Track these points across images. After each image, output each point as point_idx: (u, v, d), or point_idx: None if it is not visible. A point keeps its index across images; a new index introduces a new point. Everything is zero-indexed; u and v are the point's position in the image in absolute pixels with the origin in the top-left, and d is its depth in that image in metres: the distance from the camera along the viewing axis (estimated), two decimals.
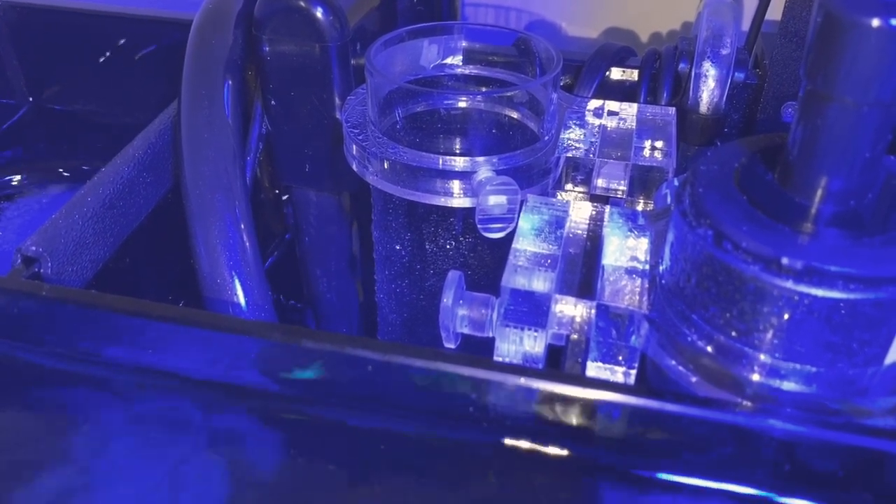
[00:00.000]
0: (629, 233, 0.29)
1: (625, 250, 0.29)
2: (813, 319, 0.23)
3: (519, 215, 0.31)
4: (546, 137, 0.37)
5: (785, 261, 0.22)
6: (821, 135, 0.23)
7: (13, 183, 0.62)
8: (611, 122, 0.38)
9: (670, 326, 0.26)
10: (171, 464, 0.29)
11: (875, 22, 0.20)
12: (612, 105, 0.39)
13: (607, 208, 0.31)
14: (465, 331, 0.28)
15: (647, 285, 0.27)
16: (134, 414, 0.30)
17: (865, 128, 0.22)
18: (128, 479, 0.29)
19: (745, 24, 0.50)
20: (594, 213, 0.31)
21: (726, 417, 0.24)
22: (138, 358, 0.29)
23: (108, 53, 0.57)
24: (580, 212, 0.31)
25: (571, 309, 0.27)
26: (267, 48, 0.39)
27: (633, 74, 0.46)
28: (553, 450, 0.26)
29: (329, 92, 0.40)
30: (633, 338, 0.27)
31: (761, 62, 0.45)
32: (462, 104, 0.40)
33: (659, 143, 0.36)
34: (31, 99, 0.61)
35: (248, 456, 0.29)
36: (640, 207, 0.34)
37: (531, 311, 0.27)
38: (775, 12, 0.43)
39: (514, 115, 0.40)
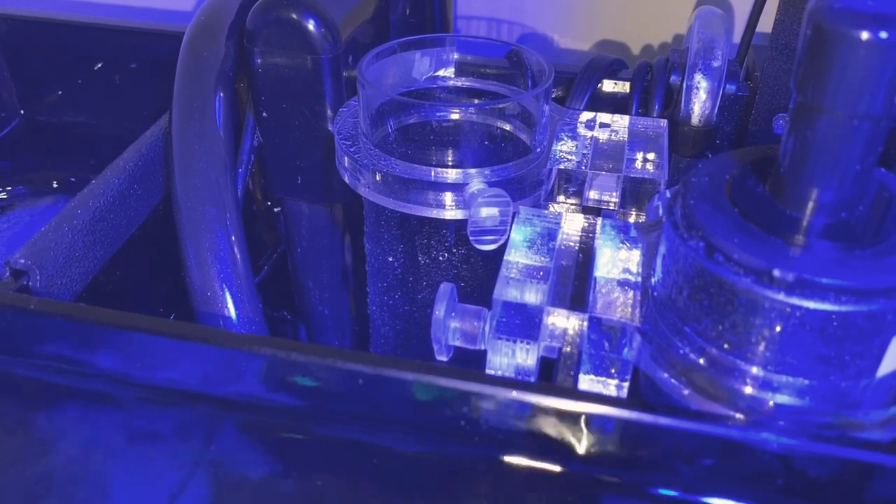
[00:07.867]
0: (621, 245, 0.29)
1: (617, 262, 0.29)
2: (805, 332, 0.22)
3: (511, 227, 0.31)
4: (538, 149, 0.37)
5: (776, 273, 0.22)
6: (811, 147, 0.23)
7: (3, 195, 0.61)
8: (603, 134, 0.38)
9: (662, 339, 0.26)
10: (161, 477, 0.29)
11: (864, 35, 0.20)
12: (603, 117, 0.39)
13: (599, 220, 0.31)
14: (458, 343, 0.28)
15: (639, 297, 0.27)
16: (123, 427, 0.30)
17: (856, 140, 0.22)
18: (118, 492, 0.29)
19: (737, 37, 0.51)
20: (586, 224, 0.31)
21: (719, 430, 0.24)
22: (128, 371, 0.29)
23: (99, 65, 0.57)
24: (572, 224, 0.31)
25: (564, 321, 0.27)
26: (259, 60, 0.39)
27: (625, 86, 0.47)
28: (545, 463, 0.26)
29: (321, 104, 0.40)
30: (626, 350, 0.27)
31: (752, 74, 0.46)
32: (454, 116, 0.40)
33: (651, 155, 0.36)
34: (21, 111, 0.61)
35: (238, 469, 0.28)
36: (631, 219, 0.34)
37: (523, 323, 0.27)
38: (766, 25, 0.43)
39: (507, 127, 0.40)
